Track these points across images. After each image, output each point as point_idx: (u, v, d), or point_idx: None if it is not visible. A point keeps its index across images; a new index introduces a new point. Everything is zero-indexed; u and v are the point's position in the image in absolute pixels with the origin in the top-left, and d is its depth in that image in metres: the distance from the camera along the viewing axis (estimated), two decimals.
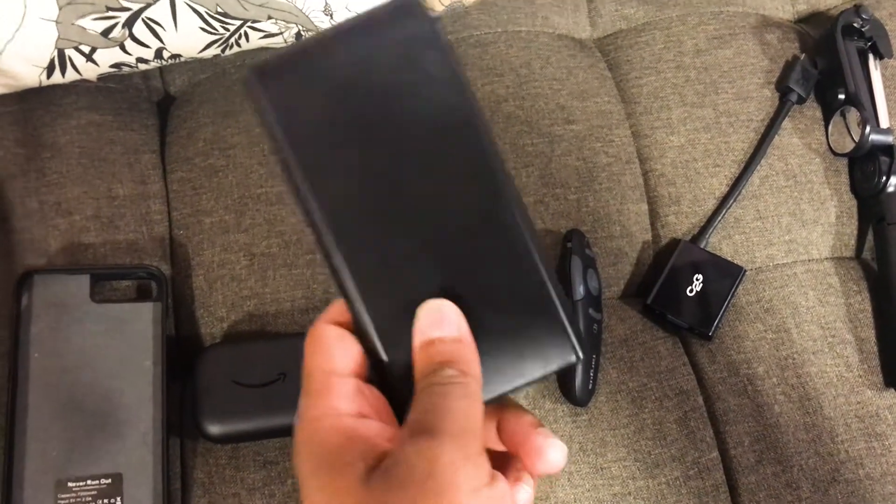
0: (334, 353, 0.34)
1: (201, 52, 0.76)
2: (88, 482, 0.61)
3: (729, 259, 0.77)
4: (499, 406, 0.35)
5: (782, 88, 0.85)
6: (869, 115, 0.81)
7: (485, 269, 0.34)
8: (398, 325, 0.33)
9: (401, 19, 0.34)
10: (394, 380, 0.34)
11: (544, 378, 0.35)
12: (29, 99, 0.77)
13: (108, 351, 0.65)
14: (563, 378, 0.70)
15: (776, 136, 0.83)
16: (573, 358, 0.35)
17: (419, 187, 0.34)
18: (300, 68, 0.33)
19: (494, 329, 0.34)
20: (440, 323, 0.33)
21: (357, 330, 0.34)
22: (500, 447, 0.36)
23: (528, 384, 0.35)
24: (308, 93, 0.33)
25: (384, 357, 0.34)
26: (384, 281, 0.34)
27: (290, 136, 0.33)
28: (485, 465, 0.32)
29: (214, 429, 0.64)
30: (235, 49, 0.77)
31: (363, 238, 0.33)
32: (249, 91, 0.33)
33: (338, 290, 0.34)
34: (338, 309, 0.35)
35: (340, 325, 0.34)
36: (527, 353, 0.34)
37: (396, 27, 0.34)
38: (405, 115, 0.34)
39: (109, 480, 0.62)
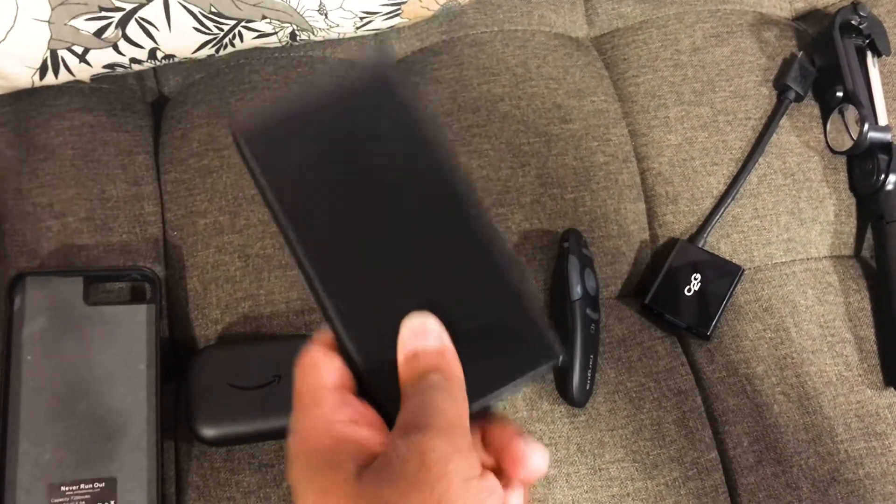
0: (322, 370, 0.35)
1: (195, 52, 0.75)
2: (82, 486, 0.61)
3: (727, 258, 0.77)
4: (483, 418, 0.36)
5: (780, 86, 0.85)
6: (867, 113, 0.81)
7: (458, 282, 0.37)
8: (380, 342, 0.35)
9: (371, 72, 0.39)
10: (380, 394, 0.35)
11: (528, 381, 0.36)
12: (21, 100, 0.77)
13: (101, 353, 0.65)
14: (561, 379, 0.69)
15: (774, 135, 0.82)
16: (553, 357, 0.36)
17: (389, 215, 0.37)
18: (278, 119, 0.38)
19: (473, 338, 0.36)
20: (422, 335, 0.35)
21: (342, 350, 0.36)
22: (485, 458, 0.37)
23: (513, 388, 0.36)
24: (285, 140, 0.37)
25: (369, 374, 0.36)
26: (364, 302, 0.36)
27: (269, 179, 0.37)
28: (475, 458, 0.33)
29: (209, 432, 0.64)
30: (230, 49, 0.77)
31: (341, 266, 0.36)
32: (234, 136, 0.37)
33: (323, 315, 0.36)
34: (324, 337, 0.37)
35: (325, 347, 0.36)
36: (507, 358, 0.36)
37: (367, 79, 0.38)
38: (373, 157, 0.37)
39: (103, 484, 0.61)
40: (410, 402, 0.34)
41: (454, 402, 0.34)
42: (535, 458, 0.35)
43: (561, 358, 0.36)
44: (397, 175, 0.37)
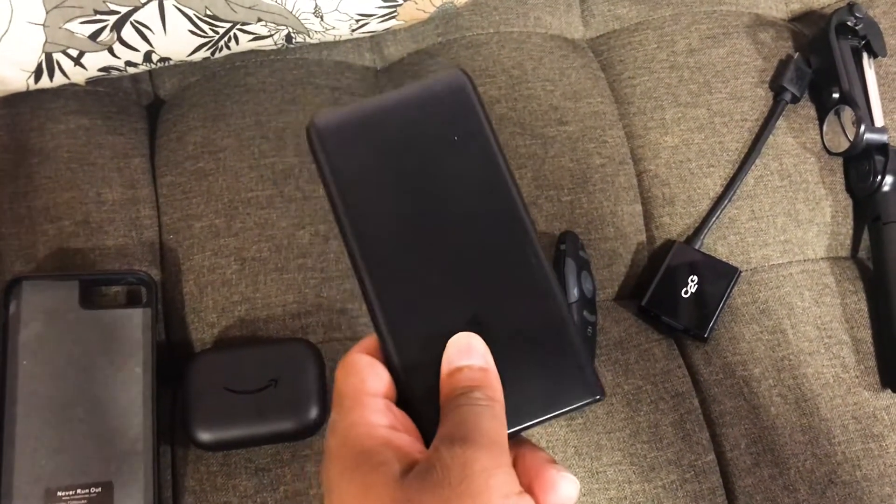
0: (366, 377, 0.36)
1: (191, 55, 0.75)
2: (78, 491, 0.61)
3: (724, 260, 0.77)
4: (515, 443, 0.37)
5: (776, 87, 0.85)
6: (863, 114, 0.81)
7: (510, 308, 0.37)
8: (426, 356, 0.36)
9: (448, 91, 0.39)
10: (419, 406, 0.36)
11: (563, 415, 0.37)
12: (17, 103, 0.76)
13: (97, 357, 0.64)
14: None
15: (770, 136, 0.82)
16: (593, 397, 0.37)
17: (450, 232, 0.38)
18: (354, 124, 0.39)
19: (517, 365, 0.37)
20: (468, 353, 0.36)
21: (387, 359, 0.37)
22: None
23: (547, 420, 0.37)
24: (358, 146, 0.38)
25: (411, 384, 0.36)
26: (414, 314, 0.37)
27: (338, 181, 0.38)
28: (515, 476, 0.34)
29: (205, 436, 0.64)
30: (225, 52, 0.77)
31: (396, 277, 0.37)
32: (309, 139, 0.39)
33: (376, 328, 0.37)
34: (368, 342, 0.37)
35: (370, 355, 0.37)
36: (547, 391, 0.37)
37: (443, 97, 0.39)
38: (441, 171, 0.38)
39: (100, 489, 0.61)
40: (452, 416, 0.34)
41: (495, 420, 0.34)
42: (566, 486, 0.35)
43: (601, 397, 0.37)
44: (463, 191, 0.38)
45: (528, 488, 0.35)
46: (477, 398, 0.34)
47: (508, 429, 0.35)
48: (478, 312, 0.37)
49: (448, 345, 0.36)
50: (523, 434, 0.37)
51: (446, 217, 0.38)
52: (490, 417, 0.34)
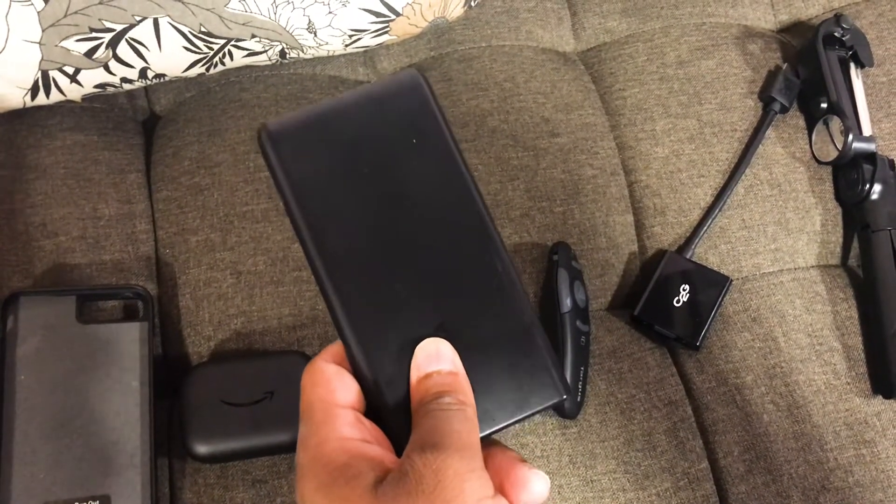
0: (335, 387, 0.36)
1: (186, 71, 0.76)
2: None
3: (715, 269, 0.77)
4: (485, 444, 0.37)
5: (765, 98, 0.86)
6: (851, 124, 0.82)
7: (475, 313, 0.37)
8: (394, 364, 0.36)
9: (402, 91, 0.38)
10: (390, 414, 0.36)
11: (532, 416, 0.37)
12: (13, 120, 0.77)
13: (94, 372, 0.65)
14: None
15: (760, 146, 0.83)
16: (558, 397, 0.37)
17: (413, 238, 0.37)
18: (307, 129, 0.37)
19: (485, 370, 0.37)
20: (437, 359, 0.36)
21: (355, 369, 0.36)
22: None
23: (517, 421, 0.37)
24: (312, 151, 0.37)
25: (381, 393, 0.36)
26: (380, 322, 0.36)
27: (294, 189, 0.36)
28: (488, 479, 0.34)
29: (202, 448, 0.64)
30: (220, 67, 0.77)
31: (360, 284, 0.36)
32: (261, 146, 0.37)
33: (341, 336, 0.36)
34: (334, 350, 0.37)
35: (338, 363, 0.37)
36: (515, 393, 0.37)
37: (397, 97, 0.38)
38: (401, 174, 0.37)
39: (97, 502, 0.61)
40: (424, 422, 0.34)
41: (467, 423, 0.35)
42: (537, 484, 0.36)
43: (566, 398, 0.37)
44: (424, 196, 0.37)
45: (500, 488, 0.36)
46: (448, 403, 0.35)
47: (480, 433, 0.35)
48: (444, 318, 0.36)
49: (416, 351, 0.36)
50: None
51: (408, 222, 0.37)
52: (461, 421, 0.34)
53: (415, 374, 0.36)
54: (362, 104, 0.38)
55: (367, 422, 0.36)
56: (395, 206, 0.37)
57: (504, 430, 0.37)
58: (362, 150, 0.37)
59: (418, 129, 0.38)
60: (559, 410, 0.69)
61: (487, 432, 0.36)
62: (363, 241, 0.36)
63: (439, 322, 0.36)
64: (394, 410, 0.36)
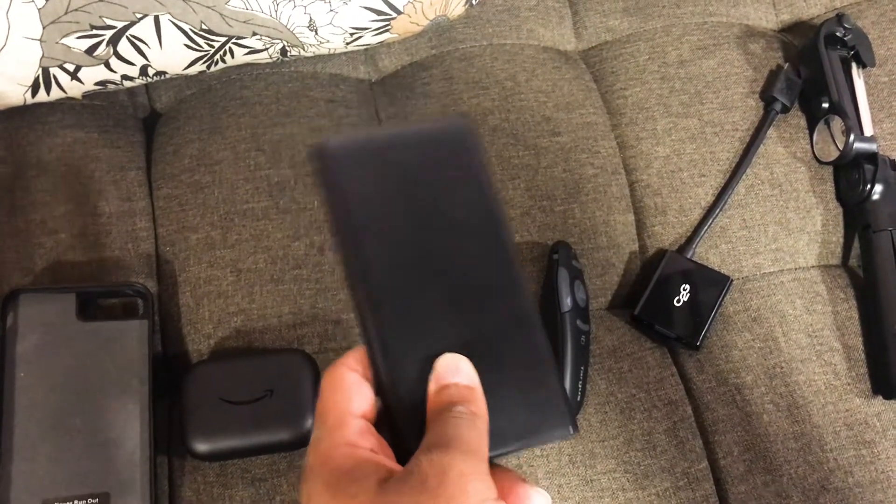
0: (352, 396, 0.37)
1: (186, 68, 0.76)
2: (76, 502, 0.61)
3: (716, 269, 0.77)
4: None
5: (767, 98, 0.86)
6: (853, 124, 0.81)
7: (497, 340, 0.39)
8: (414, 374, 0.37)
9: (450, 132, 0.42)
10: (404, 423, 0.37)
11: (538, 445, 0.39)
12: (14, 117, 0.77)
13: (94, 369, 0.65)
14: None
15: (761, 146, 0.83)
16: (566, 432, 0.38)
17: (447, 266, 0.39)
18: (363, 152, 0.40)
19: (499, 394, 0.38)
20: (455, 372, 0.37)
21: (375, 375, 0.37)
22: None
23: (521, 449, 0.38)
24: (366, 173, 0.40)
25: (398, 402, 0.37)
26: (406, 336, 0.38)
27: (340, 204, 0.39)
28: (492, 483, 0.34)
29: (202, 446, 0.64)
30: (221, 65, 0.77)
31: (393, 297, 0.38)
32: (317, 160, 0.40)
33: (367, 345, 0.38)
34: (355, 357, 0.38)
35: (357, 372, 0.38)
36: (526, 421, 0.38)
37: (445, 135, 0.42)
38: (443, 208, 0.40)
39: (97, 500, 0.61)
40: (435, 427, 0.35)
41: (476, 430, 0.35)
42: (538, 500, 0.36)
43: (574, 434, 0.38)
44: (459, 224, 0.40)
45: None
46: (460, 411, 0.35)
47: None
48: (466, 339, 0.38)
49: (437, 363, 0.37)
50: None
51: (443, 252, 0.39)
52: (470, 427, 0.35)
53: (433, 384, 0.37)
54: (416, 139, 0.41)
55: (376, 434, 0.36)
56: (432, 232, 0.39)
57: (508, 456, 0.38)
58: (409, 177, 0.40)
59: (462, 171, 0.41)
60: None
61: (494, 454, 0.37)
62: (399, 260, 0.39)
63: (463, 341, 0.38)
64: (408, 420, 0.37)
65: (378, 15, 0.75)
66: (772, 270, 0.80)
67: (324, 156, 0.40)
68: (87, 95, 0.77)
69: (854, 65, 0.86)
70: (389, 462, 0.35)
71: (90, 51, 0.69)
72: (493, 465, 0.37)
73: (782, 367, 0.75)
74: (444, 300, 0.39)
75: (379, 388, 0.37)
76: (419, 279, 0.39)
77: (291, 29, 0.73)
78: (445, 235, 0.40)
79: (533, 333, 0.39)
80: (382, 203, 0.39)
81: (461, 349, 0.38)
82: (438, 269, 0.39)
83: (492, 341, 0.38)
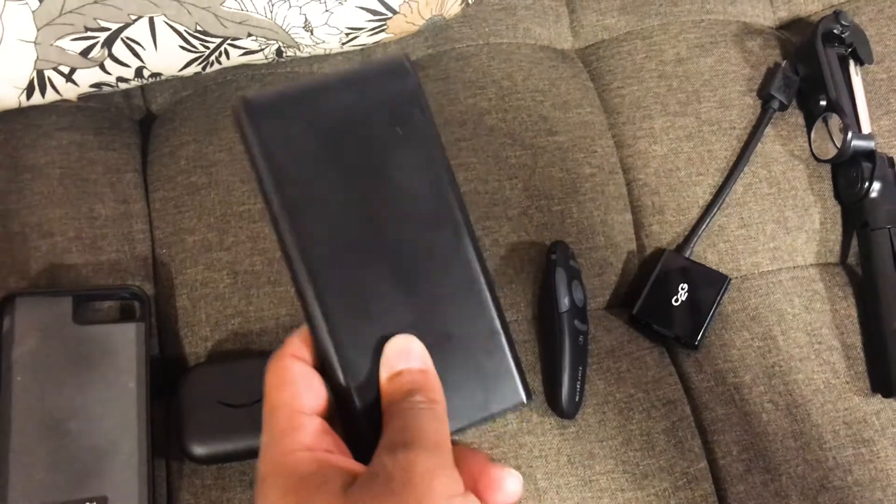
0: (301, 391, 0.35)
1: (182, 70, 0.75)
2: None
3: (714, 268, 0.77)
4: (454, 447, 0.37)
5: (764, 96, 0.86)
6: (850, 121, 0.81)
7: (446, 313, 0.37)
8: (365, 361, 0.35)
9: (390, 77, 0.37)
10: (359, 416, 0.35)
11: (496, 416, 0.37)
12: (9, 120, 0.77)
13: (91, 373, 0.65)
14: (550, 391, 0.70)
15: (759, 144, 0.83)
16: (520, 400, 0.37)
17: (389, 231, 0.36)
18: (288, 105, 0.35)
19: (451, 369, 0.36)
20: (406, 356, 0.35)
21: (323, 362, 0.35)
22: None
23: (479, 422, 0.37)
24: (293, 130, 0.35)
25: (351, 394, 0.35)
26: (353, 319, 0.35)
27: (272, 169, 0.35)
28: (458, 477, 0.33)
29: (200, 449, 0.64)
30: (216, 66, 0.77)
31: (334, 275, 0.35)
32: (236, 119, 0.35)
33: (308, 324, 0.35)
34: (298, 343, 0.36)
35: (304, 361, 0.36)
36: (480, 394, 0.37)
37: (385, 83, 0.37)
38: (382, 164, 0.36)
39: (94, 503, 0.61)
40: (394, 421, 0.34)
41: (437, 421, 0.34)
42: (511, 482, 0.35)
43: (528, 402, 0.38)
44: (403, 189, 0.36)
45: (473, 488, 0.35)
46: (418, 401, 0.34)
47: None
48: (415, 316, 0.36)
49: (386, 348, 0.35)
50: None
51: (385, 215, 0.36)
52: (431, 420, 0.34)
53: (385, 371, 0.35)
54: (349, 86, 0.37)
55: (331, 432, 0.35)
56: (374, 197, 0.36)
57: (485, 431, 0.37)
58: (345, 134, 0.36)
59: (403, 118, 0.37)
60: (557, 410, 0.69)
61: (452, 430, 0.36)
62: (339, 231, 0.35)
63: (411, 319, 0.36)
64: (363, 407, 0.35)
65: (374, 15, 0.74)
66: (770, 269, 0.80)
67: (245, 112, 0.35)
68: (83, 97, 0.77)
69: (852, 62, 0.86)
70: (350, 463, 0.34)
71: (85, 53, 0.69)
72: (458, 447, 0.36)
73: (781, 366, 0.74)
74: (390, 274, 0.36)
75: (328, 378, 0.35)
76: (361, 252, 0.35)
77: (287, 29, 0.73)
78: (387, 201, 0.36)
79: (484, 300, 0.37)
80: (315, 166, 0.35)
81: (410, 326, 0.36)
82: (381, 239, 0.36)
83: (442, 315, 0.36)
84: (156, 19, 0.69)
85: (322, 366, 0.35)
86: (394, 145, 0.36)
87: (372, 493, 0.31)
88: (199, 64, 0.75)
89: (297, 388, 0.35)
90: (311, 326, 0.35)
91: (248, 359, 0.69)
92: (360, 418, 0.35)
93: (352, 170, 0.36)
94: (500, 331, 0.37)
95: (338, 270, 0.35)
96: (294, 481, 0.32)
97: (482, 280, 0.37)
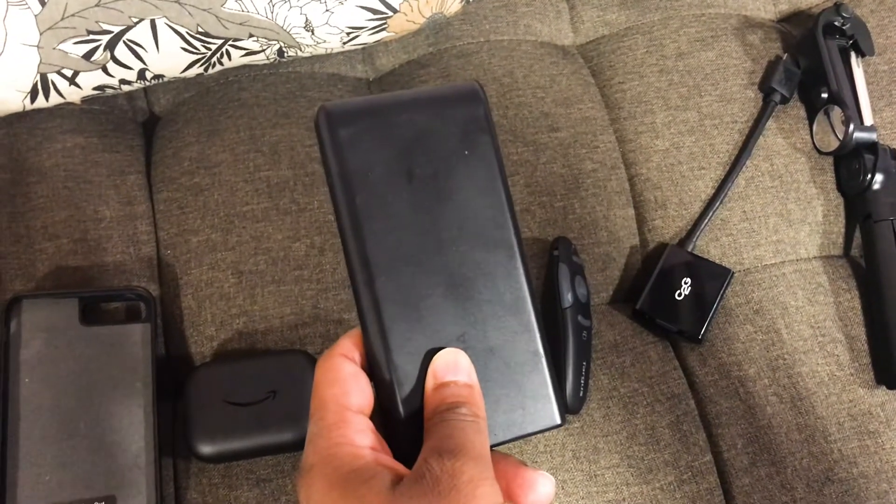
0: (350, 389, 0.36)
1: (184, 71, 0.76)
2: None
3: (717, 261, 0.77)
4: None
5: (766, 89, 0.86)
6: (852, 113, 0.81)
7: (493, 330, 0.38)
8: (412, 368, 0.37)
9: (462, 100, 0.39)
10: (402, 420, 0.37)
11: (530, 435, 0.39)
12: (13, 123, 0.77)
13: (98, 374, 0.65)
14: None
15: (761, 137, 0.83)
16: (556, 422, 0.39)
17: (447, 245, 0.38)
18: (364, 116, 0.38)
19: (493, 386, 0.38)
20: (454, 369, 0.37)
21: (371, 364, 0.37)
22: None
23: (514, 439, 0.38)
24: (367, 140, 0.37)
25: (396, 397, 0.37)
26: (405, 326, 0.37)
27: (343, 174, 0.37)
28: (499, 489, 0.35)
29: (206, 448, 0.64)
30: (218, 67, 0.77)
31: (392, 283, 0.37)
32: (315, 125, 0.38)
33: (361, 326, 0.37)
34: (348, 344, 0.37)
35: (354, 361, 0.37)
36: (518, 411, 0.38)
37: (457, 106, 0.39)
38: (447, 180, 0.38)
39: (103, 503, 0.62)
40: (440, 429, 0.35)
41: (480, 434, 0.36)
42: (543, 485, 0.37)
43: (562, 424, 0.39)
44: (465, 208, 0.38)
45: (507, 491, 0.37)
46: (464, 414, 0.36)
47: None
48: (465, 330, 0.38)
49: (435, 359, 0.37)
50: None
51: (446, 231, 0.38)
52: (476, 432, 0.35)
53: (431, 381, 0.37)
54: (423, 104, 0.39)
55: (375, 431, 0.36)
56: (436, 211, 0.38)
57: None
58: (416, 149, 0.38)
59: (471, 141, 0.39)
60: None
61: (491, 445, 0.37)
62: (401, 240, 0.37)
63: (459, 332, 0.38)
64: (406, 411, 0.37)
65: (374, 14, 0.75)
66: (773, 262, 0.80)
67: (324, 120, 0.38)
68: (86, 100, 0.77)
69: (853, 54, 0.86)
70: (395, 463, 0.35)
71: (88, 56, 0.69)
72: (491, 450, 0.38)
73: (785, 359, 0.74)
74: (444, 285, 0.38)
75: (376, 380, 0.37)
76: (421, 264, 0.37)
77: (288, 30, 0.73)
78: (449, 215, 0.38)
79: (530, 323, 0.39)
80: (386, 177, 0.37)
81: (457, 339, 0.37)
82: (440, 254, 0.38)
83: (489, 332, 0.38)
84: (157, 21, 0.69)
85: (370, 368, 0.37)
86: (460, 165, 0.38)
87: (418, 492, 0.33)
88: (201, 65, 0.76)
89: (346, 386, 0.36)
90: (364, 328, 0.37)
91: (253, 358, 0.69)
92: (403, 422, 0.37)
93: (419, 183, 0.38)
94: (542, 353, 0.39)
95: (396, 278, 0.37)
96: (342, 474, 0.34)
97: (529, 303, 0.39)
